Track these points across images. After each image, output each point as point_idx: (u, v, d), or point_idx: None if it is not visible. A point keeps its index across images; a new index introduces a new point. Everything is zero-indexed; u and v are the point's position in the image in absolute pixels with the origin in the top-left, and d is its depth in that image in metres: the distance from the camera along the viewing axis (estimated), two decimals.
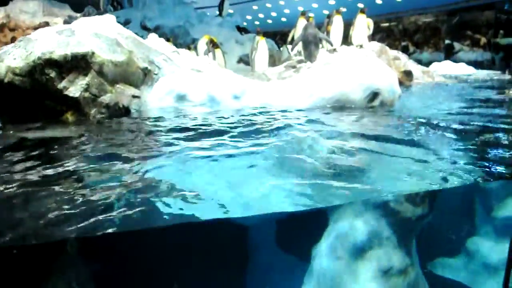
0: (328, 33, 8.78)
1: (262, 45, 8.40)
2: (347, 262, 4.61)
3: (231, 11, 31.00)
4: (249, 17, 31.34)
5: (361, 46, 9.00)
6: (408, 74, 9.08)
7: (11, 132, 4.92)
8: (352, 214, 4.76)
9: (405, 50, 25.72)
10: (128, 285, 5.40)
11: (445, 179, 2.90)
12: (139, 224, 2.50)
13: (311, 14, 8.78)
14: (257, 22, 30.84)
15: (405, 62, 9.46)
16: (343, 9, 8.75)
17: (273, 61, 11.29)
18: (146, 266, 5.69)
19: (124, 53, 5.83)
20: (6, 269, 3.99)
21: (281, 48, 12.34)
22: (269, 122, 4.61)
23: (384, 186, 2.87)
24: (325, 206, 3.46)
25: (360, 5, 24.01)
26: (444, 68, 13.33)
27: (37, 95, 5.23)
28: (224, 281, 6.21)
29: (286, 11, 27.51)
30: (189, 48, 10.39)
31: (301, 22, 8.81)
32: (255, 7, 29.49)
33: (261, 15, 30.03)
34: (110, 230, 2.35)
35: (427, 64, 15.25)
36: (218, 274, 6.14)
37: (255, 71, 8.23)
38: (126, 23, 14.24)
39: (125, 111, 5.68)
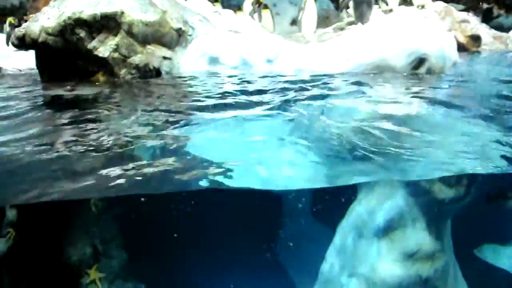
0: None
1: (310, 4, 7.86)
2: (370, 241, 4.29)
3: None
4: None
5: (422, 7, 8.10)
6: (475, 39, 8.07)
7: (46, 90, 5.10)
8: (380, 191, 4.38)
9: (488, 13, 23.20)
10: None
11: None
12: (171, 186, 2.40)
13: None
14: None
15: (474, 25, 8.39)
16: None
17: (329, 23, 10.59)
18: (176, 229, 5.80)
19: (157, 13, 5.71)
20: (30, 224, 4.22)
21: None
22: (300, 89, 4.23)
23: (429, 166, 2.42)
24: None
25: None
26: None
27: (70, 55, 5.33)
28: (255, 244, 6.19)
29: None
30: (239, 9, 10.06)
31: None
32: None
33: None
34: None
35: (510, 29, 13.54)
36: (250, 238, 6.12)
37: (302, 33, 7.77)
38: None
39: (156, 73, 5.63)
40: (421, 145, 2.40)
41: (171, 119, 3.15)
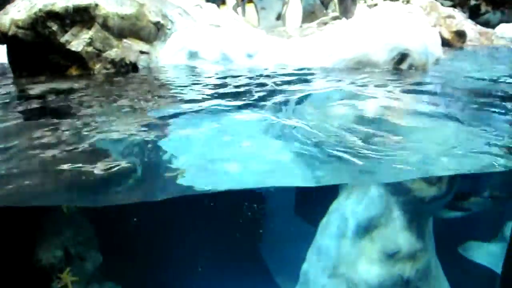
0: None
1: (294, 0, 7.71)
2: (350, 241, 4.21)
3: None
4: None
5: (407, 1, 8.01)
6: (460, 35, 8.00)
7: (16, 85, 4.90)
8: (360, 190, 4.29)
9: (475, 9, 23.29)
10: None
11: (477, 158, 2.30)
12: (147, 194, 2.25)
13: None
14: None
15: (460, 21, 8.33)
16: None
17: (315, 18, 10.43)
18: (155, 234, 5.65)
19: (134, 6, 5.52)
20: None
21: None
22: (277, 85, 4.09)
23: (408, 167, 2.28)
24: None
25: None
26: None
27: (41, 49, 5.11)
28: (237, 244, 6.07)
29: None
30: (223, 3, 9.86)
31: None
32: None
33: None
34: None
35: (496, 26, 13.51)
36: (231, 238, 6.00)
37: (285, 28, 7.63)
38: None
39: (133, 68, 5.44)
40: (395, 145, 2.28)
41: (143, 116, 3.00)
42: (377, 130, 2.56)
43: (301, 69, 4.98)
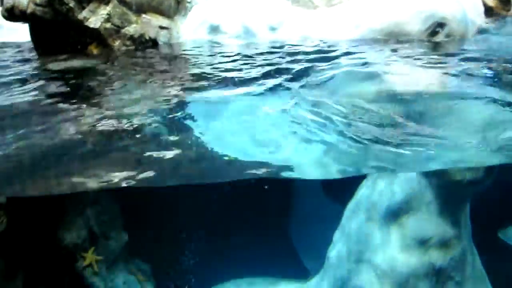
0: None
1: None
2: (378, 225, 3.96)
3: None
4: None
5: None
6: (505, 2, 7.29)
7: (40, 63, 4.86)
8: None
9: None
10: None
11: None
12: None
13: None
14: None
15: None
16: None
17: None
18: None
19: None
20: (21, 207, 4.04)
21: None
22: (302, 62, 3.77)
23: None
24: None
25: None
26: None
27: (61, 26, 5.03)
28: (266, 226, 5.95)
29: None
30: None
31: None
32: None
33: None
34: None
35: None
36: (260, 220, 5.88)
37: None
38: None
39: (153, 43, 5.28)
40: (431, 132, 2.00)
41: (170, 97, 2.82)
42: (411, 113, 2.28)
43: (326, 43, 4.65)
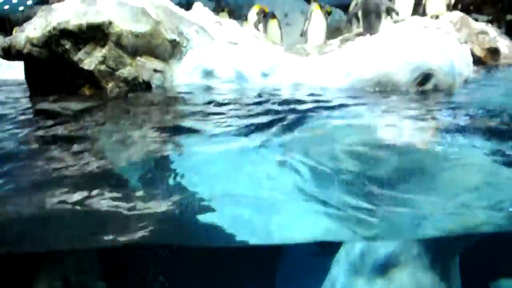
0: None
1: (317, 15, 7.48)
2: (366, 280, 3.85)
3: None
4: None
5: (437, 17, 7.62)
6: (493, 52, 7.53)
7: (29, 103, 4.87)
8: None
9: None
10: None
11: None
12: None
13: None
14: None
15: (493, 37, 7.85)
16: None
17: (340, 34, 10.16)
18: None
19: (150, 24, 5.44)
20: None
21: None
22: (290, 111, 3.76)
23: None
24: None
25: None
26: None
27: (55, 67, 5.10)
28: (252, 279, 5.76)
29: None
30: (246, 20, 9.77)
31: None
32: None
33: None
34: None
35: None
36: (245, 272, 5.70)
37: (302, 46, 7.39)
38: None
39: (146, 86, 5.34)
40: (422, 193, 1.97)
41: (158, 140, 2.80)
42: (401, 170, 2.26)
43: (317, 90, 4.71)
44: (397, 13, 7.23)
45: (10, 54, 5.12)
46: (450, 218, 1.81)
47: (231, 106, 3.84)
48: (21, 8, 33.51)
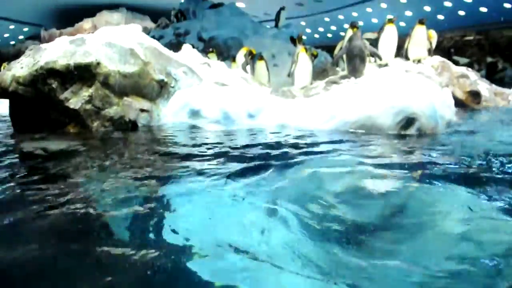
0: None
1: (303, 57, 7.67)
2: None
3: (303, 22, 30.58)
4: (321, 29, 30.61)
5: (419, 61, 7.88)
6: (474, 95, 7.76)
7: (12, 141, 4.79)
8: None
9: (492, 67, 23.26)
10: None
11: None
12: None
13: (360, 23, 7.89)
14: (329, 35, 30.04)
15: (474, 80, 8.12)
16: (395, 18, 7.73)
17: (326, 75, 10.42)
18: None
19: (138, 64, 5.52)
20: None
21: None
22: (275, 154, 3.74)
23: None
24: None
25: (440, 17, 22.24)
26: None
27: (41, 105, 5.08)
28: None
29: (360, 23, 26.26)
30: (234, 61, 9.99)
31: (350, 34, 7.94)
32: (327, 19, 28.69)
33: (333, 27, 29.15)
34: None
35: None
36: None
37: (289, 88, 7.54)
38: (185, 34, 14.36)
39: (132, 125, 5.34)
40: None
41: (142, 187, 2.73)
42: (385, 221, 2.22)
43: (302, 132, 4.75)
44: (380, 58, 7.46)
45: None
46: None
47: (216, 150, 3.82)
48: (12, 42, 33.84)
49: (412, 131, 4.52)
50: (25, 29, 34.08)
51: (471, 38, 24.35)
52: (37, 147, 4.28)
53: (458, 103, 7.67)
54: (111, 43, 5.47)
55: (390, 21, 7.60)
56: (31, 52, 5.20)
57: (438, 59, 8.07)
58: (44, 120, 5.20)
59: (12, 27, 32.54)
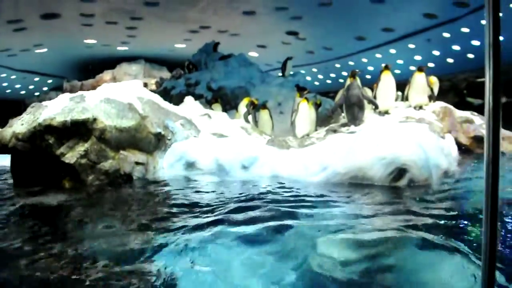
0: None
1: (303, 107, 7.75)
2: None
3: (314, 69, 31.19)
4: (332, 75, 31.11)
5: (420, 107, 7.85)
6: (479, 140, 7.60)
7: (11, 194, 4.88)
8: None
9: (508, 107, 22.91)
10: None
11: None
12: None
13: (357, 71, 7.98)
14: (341, 80, 30.44)
15: (479, 125, 7.98)
16: (390, 65, 7.77)
17: (332, 122, 10.43)
18: None
19: (135, 119, 5.66)
20: None
21: None
22: (269, 208, 3.64)
23: None
24: None
25: (449, 60, 22.36)
26: None
27: (39, 160, 5.21)
28: None
29: (370, 68, 26.66)
30: (237, 111, 10.14)
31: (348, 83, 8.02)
32: (337, 65, 29.20)
33: (344, 73, 29.57)
34: None
35: None
36: None
37: (288, 138, 7.56)
38: (196, 84, 14.76)
39: (127, 178, 5.40)
40: None
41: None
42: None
43: (294, 184, 4.70)
44: (376, 106, 7.47)
45: None
46: None
47: (208, 208, 3.75)
48: (37, 93, 35.48)
49: (403, 182, 4.43)
50: (49, 81, 35.75)
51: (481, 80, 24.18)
52: (32, 202, 4.35)
53: (463, 148, 7.53)
54: (110, 98, 5.66)
55: (386, 68, 7.66)
56: (32, 109, 5.42)
57: (440, 104, 8.02)
58: (42, 174, 5.31)
59: (36, 79, 34.18)
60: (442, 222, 3.16)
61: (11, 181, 5.66)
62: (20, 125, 5.20)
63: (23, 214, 3.97)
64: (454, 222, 3.15)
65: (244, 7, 21.41)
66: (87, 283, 2.17)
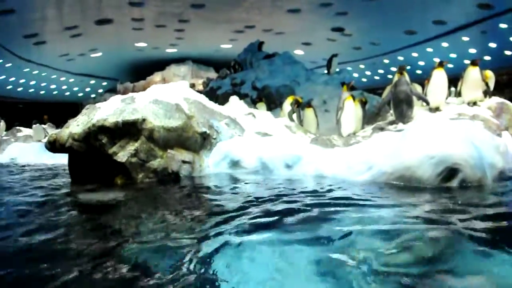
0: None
1: (349, 105, 7.60)
2: None
3: (361, 65, 30.50)
4: (381, 71, 30.28)
5: (474, 103, 7.46)
6: None
7: (68, 191, 5.19)
8: None
9: None
10: None
11: None
12: None
13: (408, 67, 7.72)
14: (390, 76, 29.56)
15: None
16: (446, 63, 7.40)
17: (380, 119, 10.17)
18: None
19: (182, 118, 5.83)
20: None
21: None
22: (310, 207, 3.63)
23: None
24: None
25: (507, 53, 21.03)
26: None
27: (93, 159, 5.51)
28: None
29: (421, 63, 25.67)
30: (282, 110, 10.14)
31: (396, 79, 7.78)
32: (386, 61, 28.37)
33: (393, 68, 28.67)
34: None
35: None
36: None
37: (342, 133, 7.47)
38: (241, 84, 14.92)
39: (175, 177, 5.57)
40: None
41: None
42: None
43: (339, 184, 4.63)
44: (427, 102, 7.19)
45: (55, 147, 5.63)
46: None
47: (254, 203, 3.78)
48: (93, 95, 37.41)
49: (454, 183, 4.23)
50: (104, 83, 37.67)
51: None
52: (89, 199, 4.58)
53: None
54: (158, 99, 5.87)
55: (440, 65, 7.34)
56: (86, 111, 5.73)
57: (496, 100, 7.58)
58: (96, 173, 5.61)
59: (92, 82, 36.16)
60: (498, 224, 2.99)
61: (67, 180, 6.03)
62: (75, 126, 5.51)
63: (82, 209, 4.18)
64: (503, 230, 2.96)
65: (288, 5, 21.41)
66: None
